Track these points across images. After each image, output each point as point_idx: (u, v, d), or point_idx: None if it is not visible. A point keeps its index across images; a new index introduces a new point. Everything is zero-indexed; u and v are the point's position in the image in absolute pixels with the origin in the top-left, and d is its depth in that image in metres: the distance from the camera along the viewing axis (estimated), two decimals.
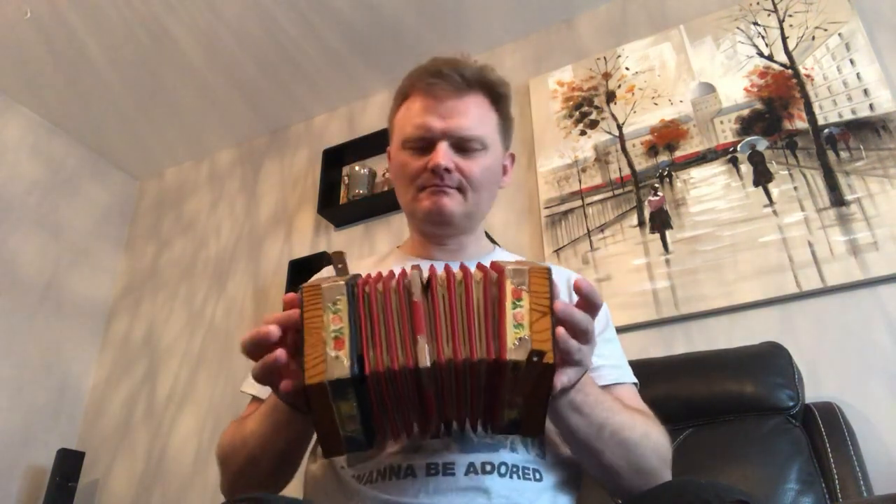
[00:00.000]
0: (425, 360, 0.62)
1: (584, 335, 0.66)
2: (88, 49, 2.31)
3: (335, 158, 2.47)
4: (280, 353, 0.64)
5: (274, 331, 0.65)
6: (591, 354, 0.70)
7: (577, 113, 2.07)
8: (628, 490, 0.82)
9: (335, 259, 0.71)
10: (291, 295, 0.66)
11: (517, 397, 0.63)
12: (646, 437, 0.81)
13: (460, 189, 0.97)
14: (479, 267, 0.68)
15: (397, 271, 0.70)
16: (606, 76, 2.07)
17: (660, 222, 1.79)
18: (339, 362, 0.61)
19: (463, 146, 0.96)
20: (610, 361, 0.94)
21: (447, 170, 0.94)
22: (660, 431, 0.85)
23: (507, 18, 2.27)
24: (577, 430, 0.76)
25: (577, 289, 0.68)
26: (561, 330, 0.64)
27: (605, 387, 0.90)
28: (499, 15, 2.26)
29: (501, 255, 1.08)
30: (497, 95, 1.02)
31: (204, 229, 2.67)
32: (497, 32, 2.33)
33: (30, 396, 2.29)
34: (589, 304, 0.68)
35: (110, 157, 2.83)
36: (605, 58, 2.11)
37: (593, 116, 2.04)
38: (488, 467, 0.79)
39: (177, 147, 2.82)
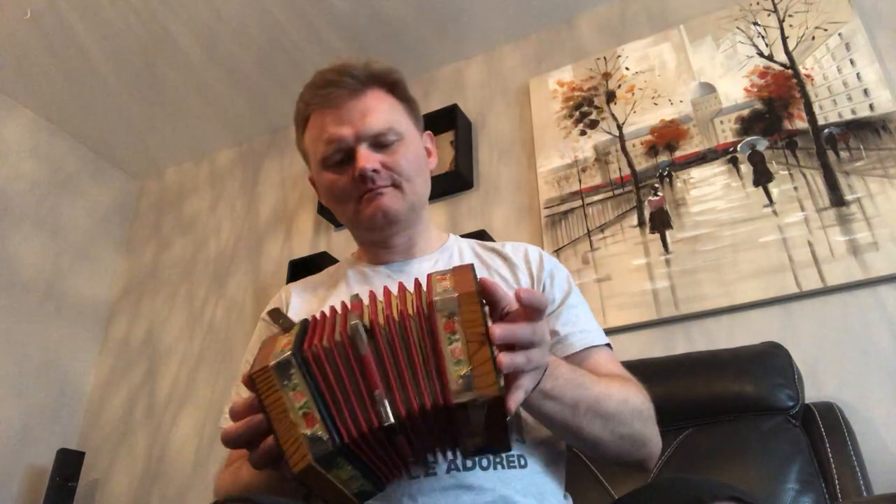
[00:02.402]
0: (388, 418, 0.60)
1: (531, 345, 0.64)
2: (88, 49, 2.30)
3: None
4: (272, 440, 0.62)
5: (261, 418, 0.63)
6: (547, 351, 0.68)
7: (577, 113, 2.07)
8: (615, 455, 0.83)
9: (273, 317, 0.69)
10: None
11: (475, 427, 0.62)
12: (624, 404, 0.81)
13: (395, 185, 0.95)
14: (416, 289, 0.66)
15: (338, 303, 0.69)
16: (606, 76, 2.07)
17: (660, 222, 1.79)
18: (317, 440, 0.59)
19: (380, 142, 0.95)
20: (576, 328, 0.93)
21: (375, 171, 0.93)
22: (637, 391, 0.86)
23: (507, 18, 2.27)
24: (553, 415, 0.77)
25: (518, 299, 0.64)
26: (502, 357, 0.60)
27: (575, 354, 0.90)
28: (499, 15, 2.25)
29: (455, 246, 1.05)
30: (392, 84, 1.00)
31: (204, 229, 2.67)
32: (497, 32, 2.32)
33: (30, 396, 2.29)
34: (532, 312, 0.64)
35: (110, 157, 2.83)
36: (604, 58, 2.10)
37: (593, 116, 2.04)
38: (469, 462, 0.78)
39: (177, 147, 2.81)
